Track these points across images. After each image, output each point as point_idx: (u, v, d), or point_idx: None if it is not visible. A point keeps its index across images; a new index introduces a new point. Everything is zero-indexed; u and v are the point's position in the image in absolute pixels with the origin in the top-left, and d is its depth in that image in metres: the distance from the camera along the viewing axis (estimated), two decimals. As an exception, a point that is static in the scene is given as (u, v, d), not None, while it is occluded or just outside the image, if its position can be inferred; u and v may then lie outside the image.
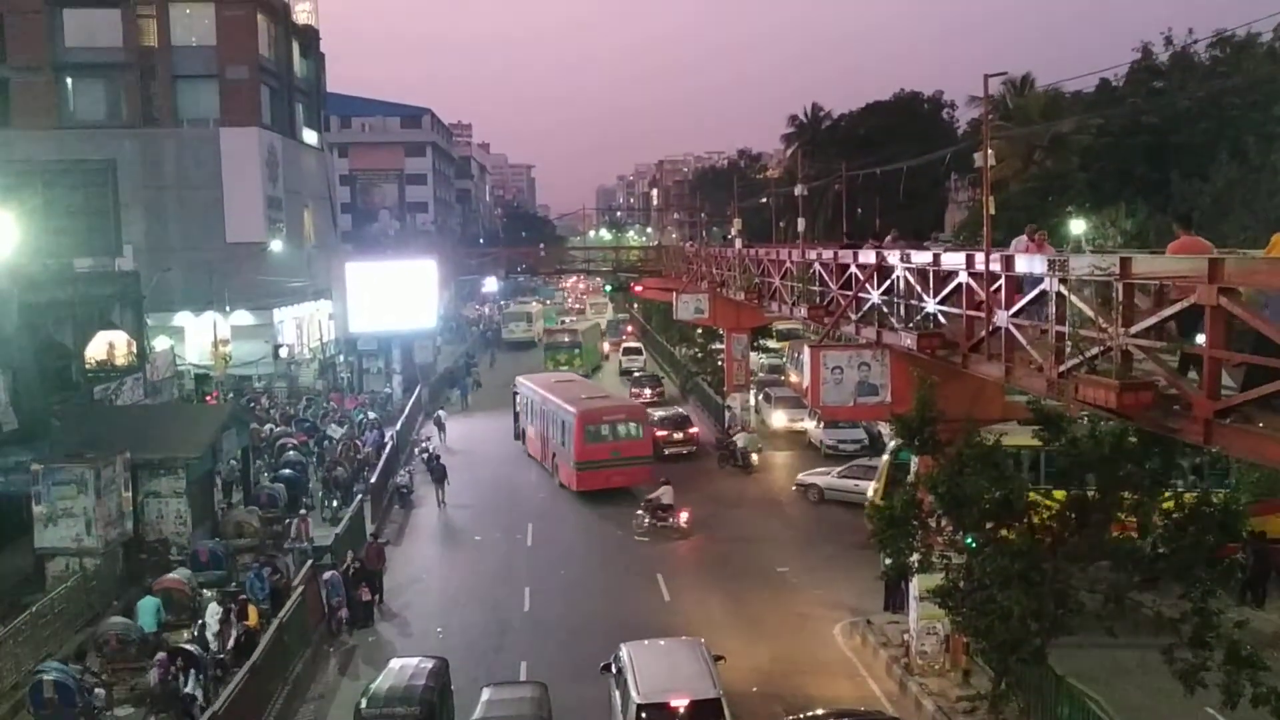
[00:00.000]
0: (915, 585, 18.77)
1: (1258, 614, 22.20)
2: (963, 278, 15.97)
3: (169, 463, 26.53)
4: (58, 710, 17.23)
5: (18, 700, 18.64)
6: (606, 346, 69.70)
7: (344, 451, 34.88)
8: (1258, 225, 31.97)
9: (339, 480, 31.80)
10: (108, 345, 36.71)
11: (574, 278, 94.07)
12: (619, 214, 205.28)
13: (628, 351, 64.43)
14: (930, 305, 17.19)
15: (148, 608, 21.10)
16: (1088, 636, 15.59)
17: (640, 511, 29.91)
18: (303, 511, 26.49)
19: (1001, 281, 14.51)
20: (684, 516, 29.51)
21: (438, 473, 34.09)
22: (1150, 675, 15.80)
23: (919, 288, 17.86)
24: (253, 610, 20.64)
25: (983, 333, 15.31)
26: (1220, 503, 15.58)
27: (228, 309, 46.18)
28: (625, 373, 59.54)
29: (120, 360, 36.77)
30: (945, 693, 18.48)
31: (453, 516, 32.83)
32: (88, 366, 34.41)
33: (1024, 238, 15.85)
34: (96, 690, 18.03)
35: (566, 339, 62.42)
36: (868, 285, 20.22)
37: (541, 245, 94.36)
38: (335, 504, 30.61)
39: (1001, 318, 14.39)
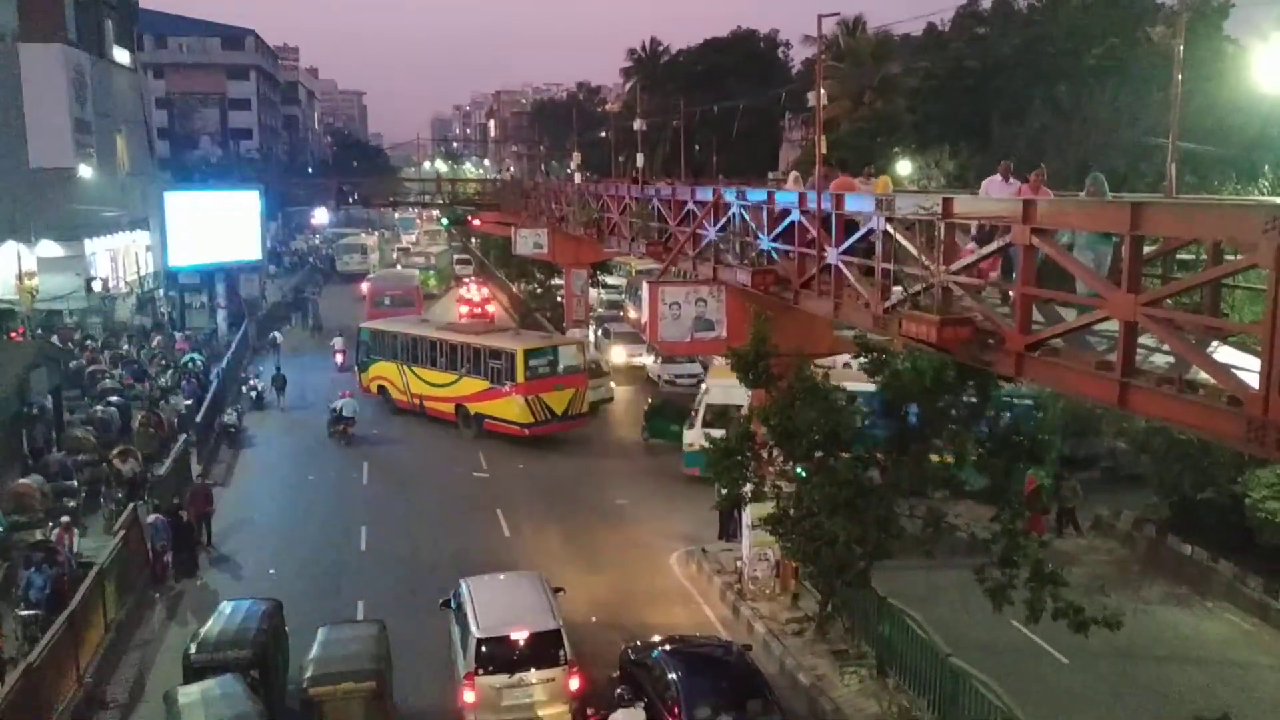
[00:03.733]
0: (748, 514, 19.41)
1: (1065, 536, 23.97)
2: (795, 216, 16.34)
3: (-30, 404, 24.82)
4: None
5: None
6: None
7: (141, 427, 28.18)
8: (1068, 169, 33.80)
9: (121, 477, 24.47)
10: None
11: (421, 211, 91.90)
12: (455, 145, 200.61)
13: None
14: (764, 242, 17.54)
15: None
16: (907, 559, 16.46)
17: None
18: (65, 519, 21.18)
19: (833, 219, 14.92)
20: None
21: (279, 381, 37.68)
22: (964, 593, 16.82)
23: (754, 225, 18.19)
24: None
25: (814, 270, 15.74)
26: (1030, 431, 16.64)
27: (33, 239, 43.10)
28: None
29: (-91, 295, 33.97)
30: (775, 616, 19.28)
31: (285, 451, 31.94)
32: None
33: (998, 177, 13.86)
34: None
35: (422, 261, 72.79)
36: (705, 222, 20.47)
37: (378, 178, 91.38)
38: (114, 506, 23.66)
39: (832, 255, 14.81)
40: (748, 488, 17.62)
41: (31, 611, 17.64)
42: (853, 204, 14.74)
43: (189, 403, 32.93)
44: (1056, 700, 16.54)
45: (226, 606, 16.86)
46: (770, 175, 56.39)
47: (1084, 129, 39.79)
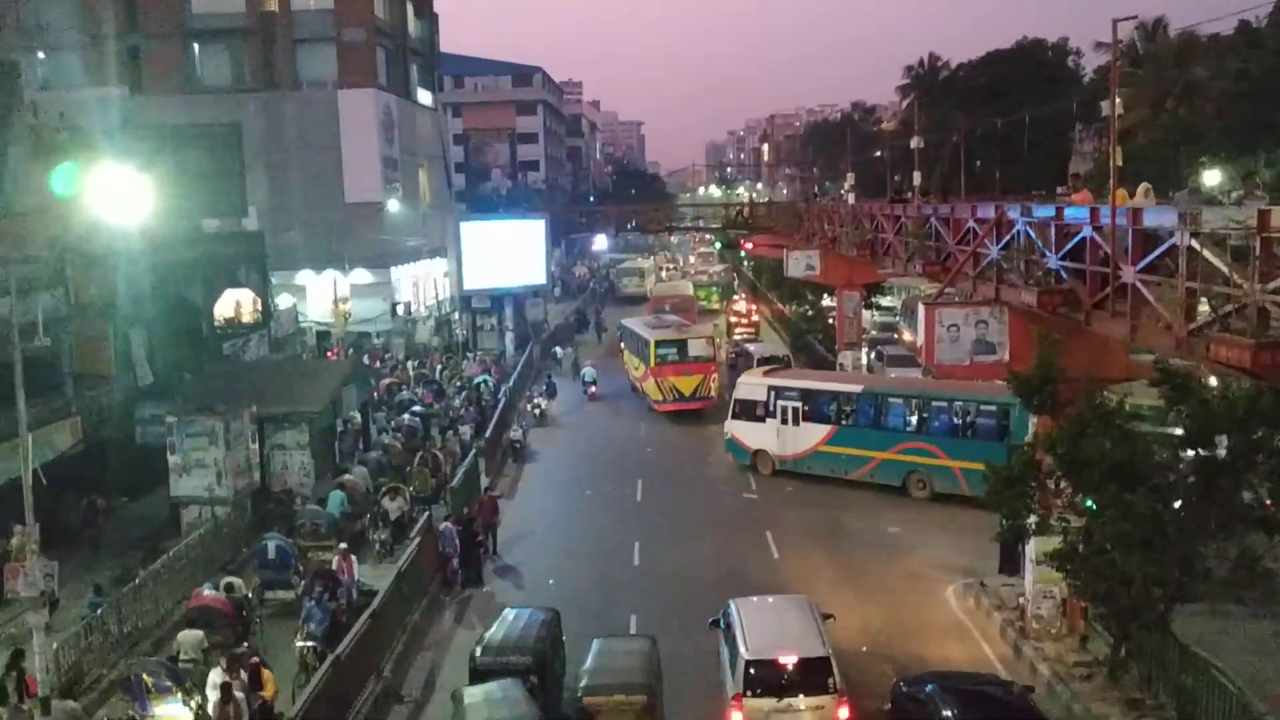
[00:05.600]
0: (1032, 548, 18.35)
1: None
2: (1087, 232, 15.41)
3: (293, 417, 27.58)
4: (278, 568, 21.50)
5: (160, 636, 19.89)
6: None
7: (419, 467, 28.01)
8: None
9: (387, 516, 25.11)
10: (235, 303, 38.13)
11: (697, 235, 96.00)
12: (729, 170, 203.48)
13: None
14: (1052, 261, 16.65)
15: (335, 499, 25.12)
16: (1215, 604, 15.03)
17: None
18: (343, 546, 22.04)
19: (1129, 236, 13.96)
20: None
21: (551, 389, 41.98)
22: (1282, 646, 15.17)
23: (1040, 243, 17.31)
24: (268, 677, 16.51)
25: (1108, 289, 14.77)
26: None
27: (347, 267, 47.44)
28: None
29: (246, 317, 38.16)
30: (1061, 657, 18.08)
31: (565, 467, 33.35)
32: (216, 324, 35.85)
33: None
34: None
35: (706, 279, 78.75)
36: (986, 241, 19.68)
37: (658, 207, 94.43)
38: (379, 546, 24.53)
39: (1128, 274, 13.85)
40: (1032, 520, 16.69)
41: (310, 643, 18.07)
42: (1153, 218, 13.73)
43: (472, 430, 33.63)
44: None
45: (509, 613, 17.70)
46: (1059, 190, 53.48)
47: None
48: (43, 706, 16.09)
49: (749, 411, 31.62)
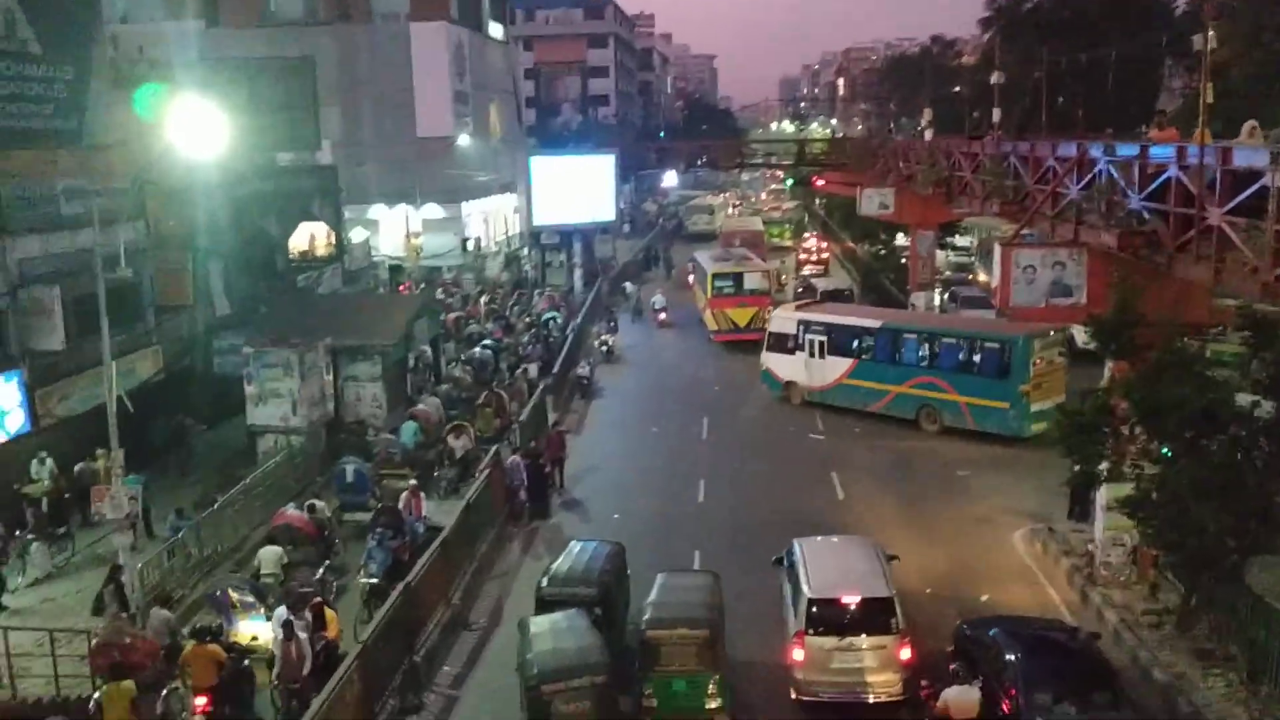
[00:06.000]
0: (1103, 494, 18.07)
1: None
2: (1173, 172, 14.91)
3: (366, 349, 28.06)
4: (356, 490, 22.66)
5: (239, 558, 20.66)
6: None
7: (482, 408, 28.11)
8: None
9: (453, 455, 25.21)
10: (309, 236, 38.77)
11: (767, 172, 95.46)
12: (802, 106, 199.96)
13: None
14: (1134, 201, 16.16)
15: (408, 430, 25.77)
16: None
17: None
18: (414, 482, 22.08)
19: (1217, 176, 13.48)
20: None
21: (613, 327, 41.79)
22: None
23: (1123, 182, 16.80)
24: (331, 616, 16.37)
25: (1192, 232, 14.32)
26: None
27: (419, 202, 47.82)
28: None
29: (320, 251, 38.79)
30: (1130, 605, 17.87)
31: (632, 404, 33.54)
32: (291, 257, 36.47)
33: None
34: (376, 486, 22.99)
35: (779, 215, 78.69)
36: (1066, 180, 19.16)
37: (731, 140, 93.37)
38: (445, 484, 24.52)
39: (1214, 215, 13.39)
40: (1104, 466, 16.40)
41: (372, 580, 18.37)
42: (1242, 157, 13.22)
43: (538, 368, 33.23)
44: None
45: (575, 546, 17.95)
46: (1144, 129, 51.67)
47: None
48: (141, 613, 17.07)
49: (781, 345, 32.52)
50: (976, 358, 27.99)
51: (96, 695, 14.15)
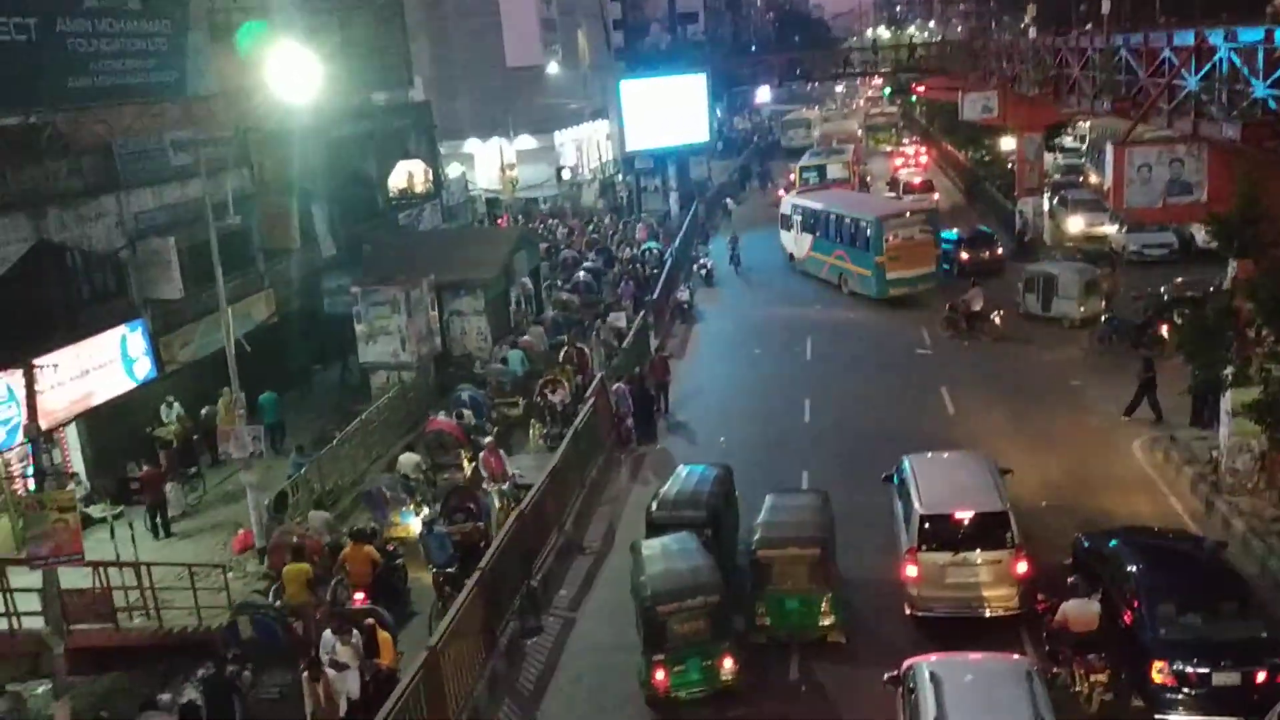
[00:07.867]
0: (1228, 399, 17.40)
1: None
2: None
3: (468, 283, 28.50)
4: (475, 411, 23.56)
5: (356, 495, 21.33)
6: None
7: (564, 363, 25.94)
8: None
9: (553, 408, 23.87)
10: (407, 174, 39.18)
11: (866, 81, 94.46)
12: (898, 9, 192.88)
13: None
14: (1259, 89, 15.25)
15: (515, 358, 26.60)
16: None
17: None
18: (488, 439, 21.06)
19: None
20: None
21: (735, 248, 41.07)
22: None
23: (1246, 70, 15.85)
24: (385, 640, 14.14)
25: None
26: None
27: (512, 134, 47.91)
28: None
29: (419, 188, 39.21)
30: (1259, 513, 17.29)
31: (734, 326, 33.43)
32: (390, 195, 36.98)
33: None
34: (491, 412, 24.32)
35: (882, 120, 80.00)
36: (1184, 71, 18.17)
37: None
38: (549, 431, 23.52)
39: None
40: (1229, 370, 15.77)
41: (438, 569, 16.87)
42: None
43: (627, 317, 30.74)
44: None
45: (683, 470, 18.07)
46: (1267, 9, 48.53)
47: None
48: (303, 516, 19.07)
49: (786, 223, 39.72)
50: (853, 234, 33.88)
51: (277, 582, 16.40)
